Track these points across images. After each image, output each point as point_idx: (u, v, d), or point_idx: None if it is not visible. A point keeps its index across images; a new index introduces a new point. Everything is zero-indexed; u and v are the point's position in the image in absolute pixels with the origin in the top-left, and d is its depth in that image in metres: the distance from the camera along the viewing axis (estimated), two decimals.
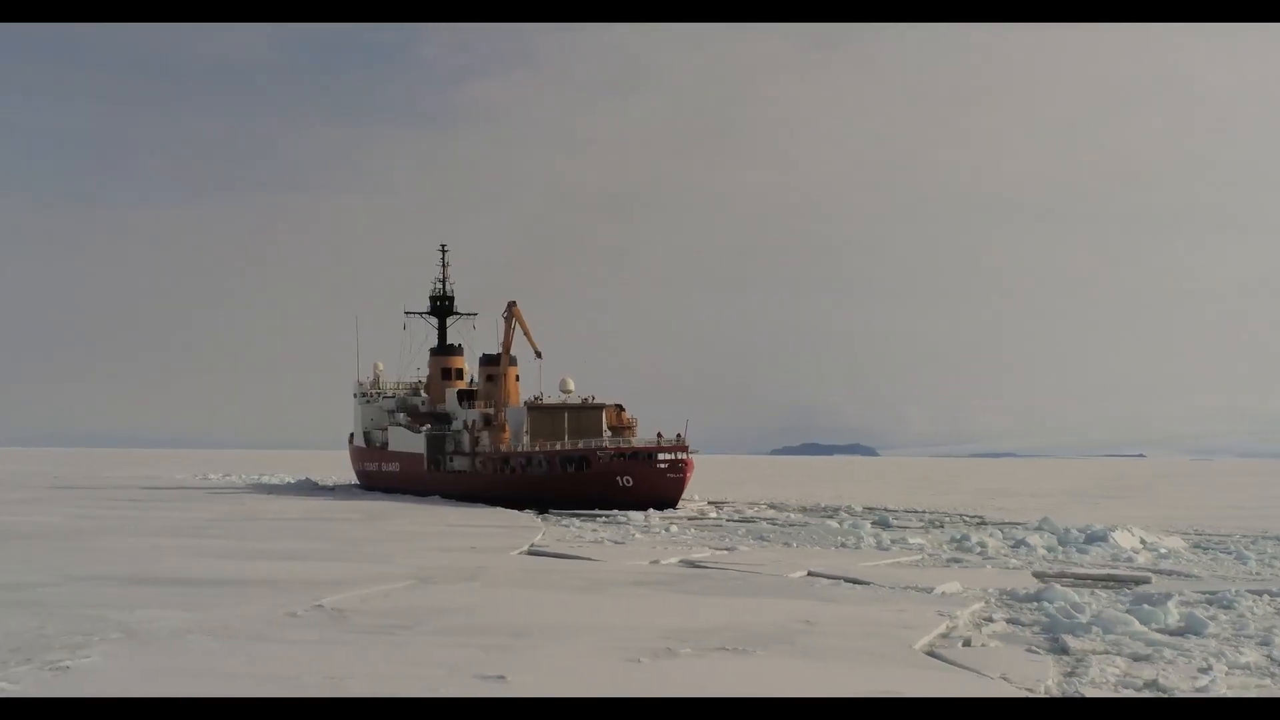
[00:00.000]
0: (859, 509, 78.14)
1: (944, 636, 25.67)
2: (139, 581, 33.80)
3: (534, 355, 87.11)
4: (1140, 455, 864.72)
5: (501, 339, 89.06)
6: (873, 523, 62.73)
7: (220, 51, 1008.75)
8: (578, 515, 70.62)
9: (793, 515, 70.79)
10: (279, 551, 44.63)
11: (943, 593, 33.05)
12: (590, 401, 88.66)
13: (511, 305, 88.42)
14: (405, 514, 69.87)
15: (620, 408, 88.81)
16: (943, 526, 61.77)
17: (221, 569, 37.51)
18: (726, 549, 47.29)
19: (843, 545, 49.68)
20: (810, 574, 38.10)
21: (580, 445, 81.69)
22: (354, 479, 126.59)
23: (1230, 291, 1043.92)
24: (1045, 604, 29.68)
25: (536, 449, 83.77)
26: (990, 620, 28.06)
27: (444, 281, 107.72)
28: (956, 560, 43.10)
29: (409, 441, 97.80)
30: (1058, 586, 31.70)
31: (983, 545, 48.22)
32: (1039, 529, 55.86)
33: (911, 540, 50.94)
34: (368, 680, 19.83)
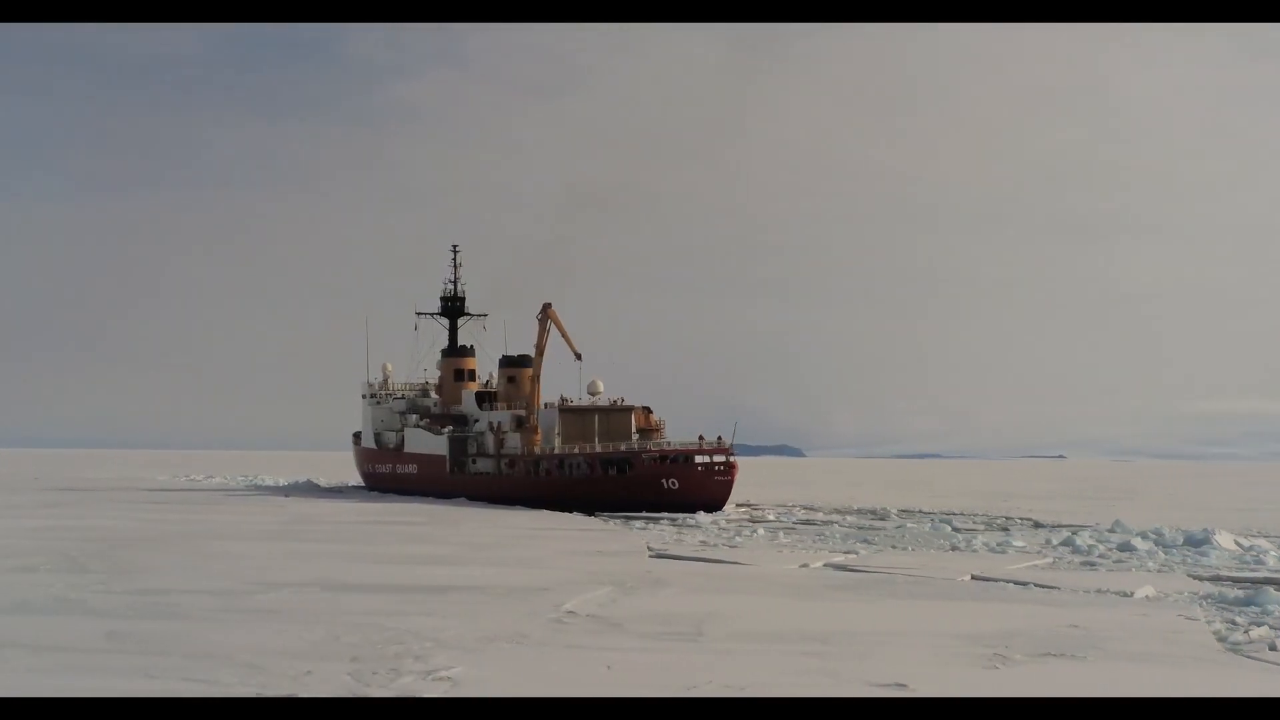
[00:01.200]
0: (894, 511, 78.77)
1: (1223, 639, 26.04)
2: (352, 589, 33.39)
3: (573, 357, 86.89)
4: (1060, 456, 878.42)
5: (535, 340, 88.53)
6: (951, 527, 63.30)
7: (149, 49, 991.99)
8: (632, 518, 70.73)
9: (850, 517, 71.27)
10: (421, 556, 44.29)
11: (1146, 596, 33.48)
12: (620, 404, 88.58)
13: (547, 307, 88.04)
14: (460, 517, 69.30)
15: (648, 410, 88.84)
16: (1008, 529, 62.32)
17: (398, 575, 37.15)
18: (851, 552, 47.55)
19: (955, 548, 50.07)
20: (974, 578, 38.42)
21: (623, 448, 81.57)
22: (352, 480, 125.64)
23: (1149, 296, 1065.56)
24: (1270, 608, 30.19)
25: (575, 451, 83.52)
26: (1235, 624, 28.40)
27: (455, 282, 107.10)
28: (1091, 564, 43.55)
29: (429, 443, 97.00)
30: (1272, 591, 32.21)
31: (1090, 548, 48.84)
32: (1128, 531, 56.66)
33: (1015, 544, 51.41)
34: (767, 689, 19.82)
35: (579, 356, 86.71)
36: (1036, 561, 44.07)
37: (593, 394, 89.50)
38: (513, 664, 21.96)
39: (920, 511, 78.41)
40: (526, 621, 27.23)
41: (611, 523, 66.66)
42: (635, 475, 78.70)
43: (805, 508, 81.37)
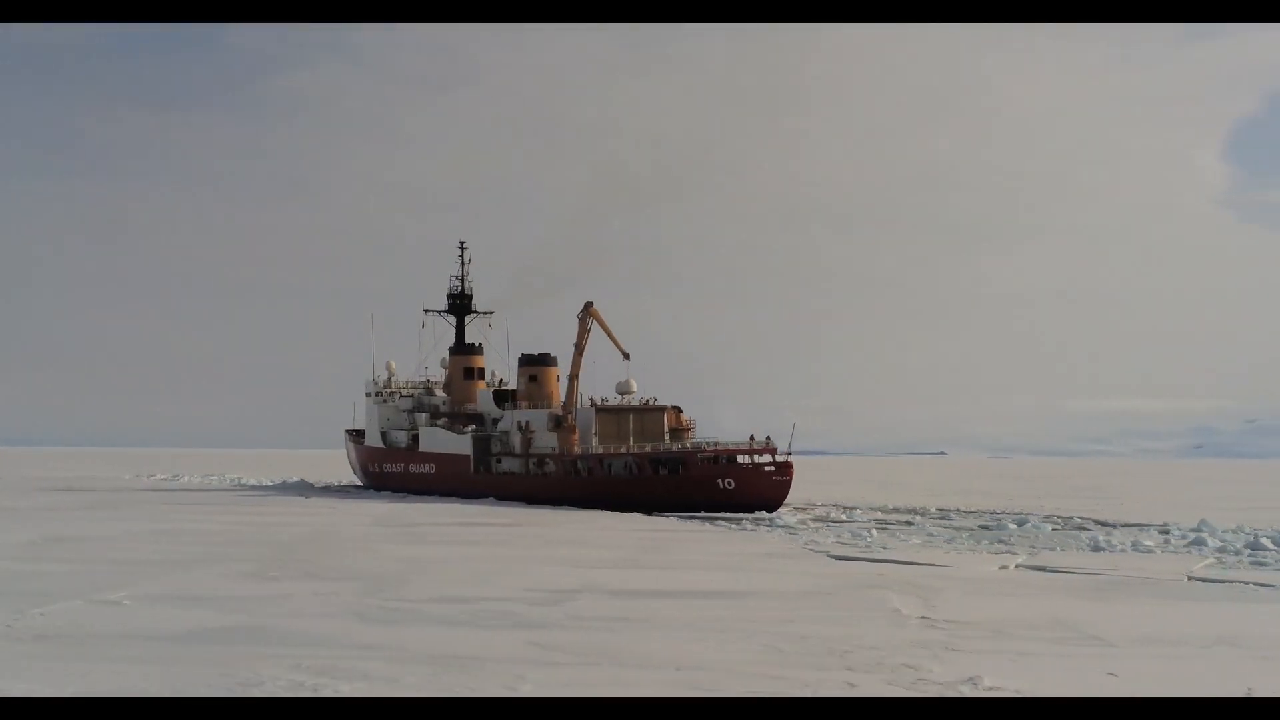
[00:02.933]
0: (933, 509, 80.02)
1: None
2: (651, 595, 33.33)
3: (621, 356, 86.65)
4: (941, 453, 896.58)
5: (576, 340, 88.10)
6: (1051, 527, 64.63)
7: (29, 36, 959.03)
8: (696, 518, 71.26)
9: (918, 518, 72.33)
10: (594, 559, 44.25)
11: None
12: (653, 403, 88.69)
13: (588, 306, 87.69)
14: (540, 519, 68.87)
15: (679, 409, 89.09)
16: (1085, 529, 63.75)
17: (653, 581, 37.17)
18: (1012, 551, 48.56)
19: (1099, 549, 51.18)
20: (1190, 579, 39.54)
21: (675, 448, 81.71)
22: (342, 479, 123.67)
23: (1027, 297, 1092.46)
24: None
25: (621, 450, 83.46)
26: None
27: (463, 280, 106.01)
28: (1261, 564, 44.96)
29: (449, 443, 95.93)
30: None
31: (1223, 547, 50.41)
32: (1212, 530, 58.52)
33: (1145, 543, 52.80)
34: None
35: (627, 356, 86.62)
36: (1207, 561, 45.38)
37: (624, 393, 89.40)
38: (1037, 668, 22.30)
39: (958, 510, 79.59)
40: (927, 630, 27.57)
41: (699, 523, 67.04)
42: (689, 475, 78.88)
43: (847, 507, 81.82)
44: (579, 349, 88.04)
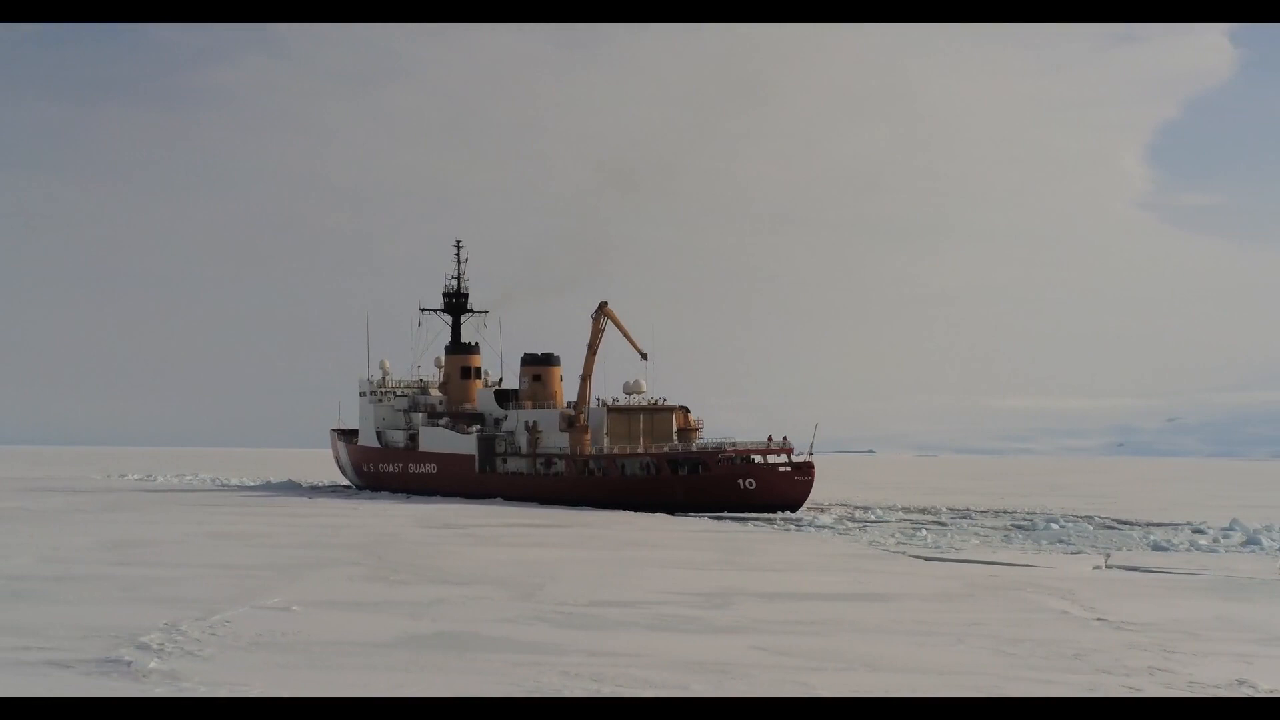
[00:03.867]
0: (944, 509, 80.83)
1: None
2: (810, 598, 33.45)
3: (639, 356, 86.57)
4: (870, 452, 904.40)
5: (589, 339, 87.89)
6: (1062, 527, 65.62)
7: None
8: (723, 518, 71.67)
9: (944, 517, 73.05)
10: (692, 561, 44.42)
11: None
12: (662, 403, 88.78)
13: (603, 305, 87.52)
14: (580, 520, 68.75)
15: (686, 410, 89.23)
16: (1113, 528, 64.71)
17: (724, 581, 37.61)
18: (1082, 551, 49.39)
19: (1160, 548, 52.06)
20: None
21: (695, 449, 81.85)
22: (327, 479, 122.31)
23: (952, 297, 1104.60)
24: None
25: (639, 451, 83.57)
26: None
27: (459, 278, 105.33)
28: None
29: (453, 442, 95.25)
30: None
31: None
32: (1245, 529, 59.95)
33: (1200, 543, 53.90)
34: None
35: (645, 356, 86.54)
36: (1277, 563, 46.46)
37: (630, 393, 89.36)
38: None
39: (970, 510, 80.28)
40: (1121, 631, 28.03)
41: (737, 523, 67.51)
42: (711, 476, 79.08)
43: (863, 508, 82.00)
44: (592, 348, 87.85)
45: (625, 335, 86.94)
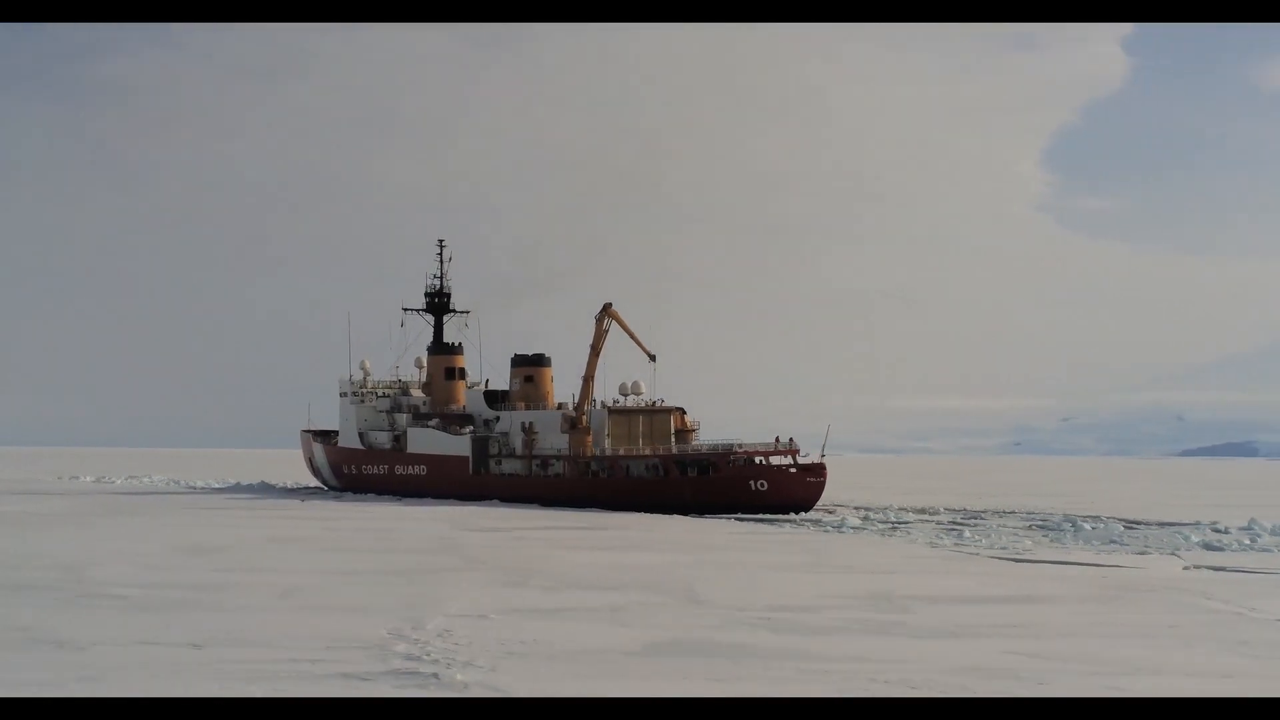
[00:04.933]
0: (941, 509, 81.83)
1: None
2: (978, 601, 33.80)
3: (647, 358, 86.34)
4: None
5: (592, 341, 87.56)
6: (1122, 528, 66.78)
7: None
8: (745, 519, 72.12)
9: (959, 518, 73.96)
10: (782, 564, 44.69)
11: None
12: (660, 405, 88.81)
13: (607, 307, 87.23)
14: (620, 523, 68.46)
15: (683, 411, 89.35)
16: (1132, 528, 65.99)
17: (834, 585, 37.67)
18: (1145, 551, 50.53)
19: (1214, 547, 53.37)
20: None
21: (705, 449, 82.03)
22: (294, 480, 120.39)
23: (855, 298, 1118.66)
24: None
25: (646, 452, 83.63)
26: None
27: (441, 278, 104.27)
28: None
29: (445, 444, 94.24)
30: None
31: None
32: (1263, 529, 61.74)
33: (1253, 543, 55.32)
34: None
35: (653, 358, 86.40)
36: None
37: (626, 395, 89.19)
38: None
39: (975, 511, 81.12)
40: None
41: (765, 524, 67.83)
42: (722, 477, 79.34)
43: (878, 508, 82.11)
44: (595, 350, 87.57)
45: (632, 337, 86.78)
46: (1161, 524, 68.42)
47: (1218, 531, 62.24)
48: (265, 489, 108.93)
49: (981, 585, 37.82)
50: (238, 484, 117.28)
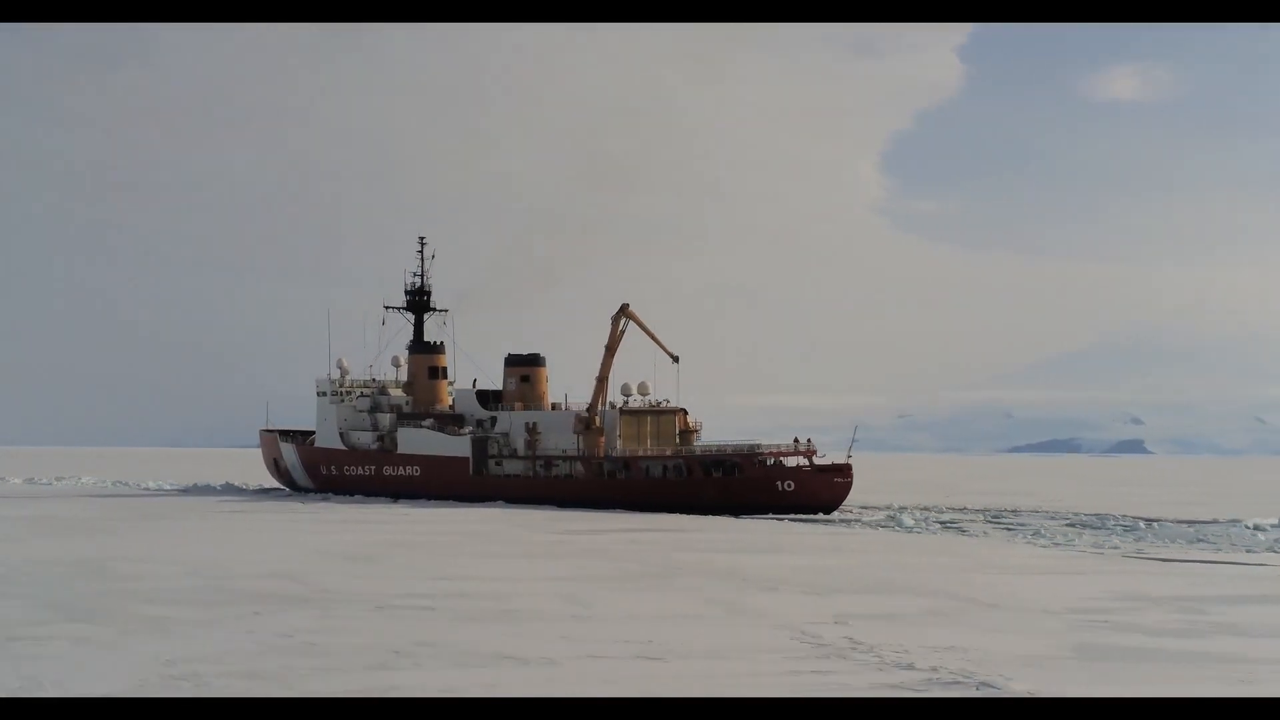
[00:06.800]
0: (944, 507, 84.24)
1: None
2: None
3: (670, 359, 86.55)
4: None
5: (607, 341, 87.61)
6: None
7: None
8: (780, 518, 73.55)
9: (1023, 516, 76.31)
10: (921, 565, 45.94)
11: None
12: (665, 405, 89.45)
13: (624, 307, 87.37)
14: (684, 524, 68.76)
15: (685, 411, 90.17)
16: (1194, 526, 68.41)
17: (1006, 586, 39.13)
18: (1237, 549, 53.34)
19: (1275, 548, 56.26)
20: None
21: (730, 450, 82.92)
22: (255, 481, 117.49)
23: (698, 297, 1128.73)
24: None
25: (668, 452, 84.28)
26: None
27: (422, 276, 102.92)
28: None
29: (441, 444, 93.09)
30: None
31: None
32: (1264, 528, 65.26)
33: None
34: None
35: (675, 359, 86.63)
36: None
37: (631, 395, 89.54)
38: None
39: (996, 510, 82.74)
40: None
41: (810, 525, 69.15)
42: (748, 477, 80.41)
43: (904, 508, 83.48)
44: (610, 350, 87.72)
45: (652, 337, 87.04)
46: (1190, 522, 70.18)
47: (1259, 530, 65.27)
48: (236, 490, 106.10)
49: (1193, 586, 39.21)
50: (194, 484, 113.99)
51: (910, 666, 23.89)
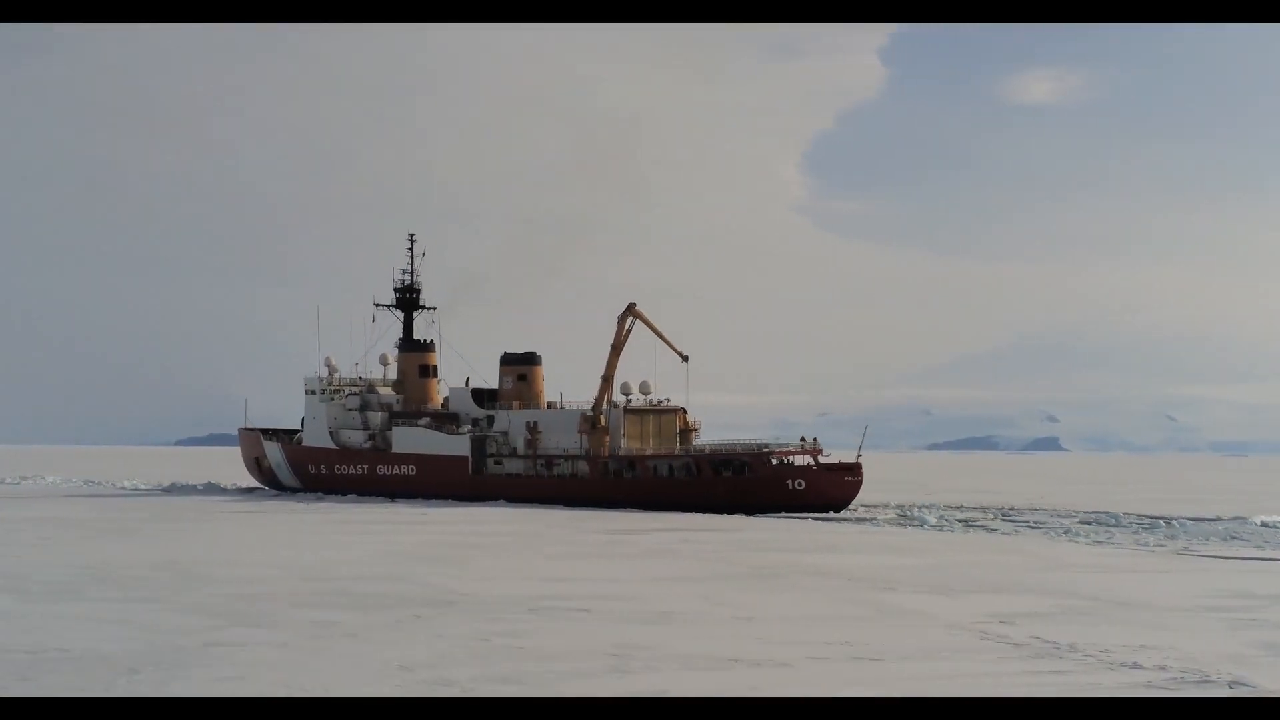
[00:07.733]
0: (965, 506, 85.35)
1: None
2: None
3: (680, 359, 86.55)
4: None
5: (614, 340, 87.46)
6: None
7: None
8: (794, 518, 74.06)
9: (1049, 514, 77.37)
10: (1038, 564, 46.47)
11: None
12: (666, 404, 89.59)
13: (631, 306, 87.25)
14: (716, 524, 68.84)
15: (684, 410, 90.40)
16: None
17: (1094, 584, 39.98)
18: None
19: None
20: None
21: (740, 449, 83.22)
22: (230, 479, 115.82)
23: (623, 296, 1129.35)
24: None
25: (680, 453, 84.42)
26: None
27: (412, 273, 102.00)
28: None
29: (439, 444, 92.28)
30: None
31: None
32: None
33: None
34: None
35: (685, 358, 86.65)
36: None
37: (629, 395, 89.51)
38: None
39: (1022, 509, 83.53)
40: None
41: (835, 524, 69.65)
42: (759, 476, 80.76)
43: (926, 506, 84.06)
44: (616, 349, 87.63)
45: (661, 337, 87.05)
46: (1218, 519, 71.97)
47: (1265, 526, 67.14)
48: (219, 490, 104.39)
49: (1248, 586, 39.45)
50: (174, 484, 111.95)
51: (1136, 665, 24.27)
